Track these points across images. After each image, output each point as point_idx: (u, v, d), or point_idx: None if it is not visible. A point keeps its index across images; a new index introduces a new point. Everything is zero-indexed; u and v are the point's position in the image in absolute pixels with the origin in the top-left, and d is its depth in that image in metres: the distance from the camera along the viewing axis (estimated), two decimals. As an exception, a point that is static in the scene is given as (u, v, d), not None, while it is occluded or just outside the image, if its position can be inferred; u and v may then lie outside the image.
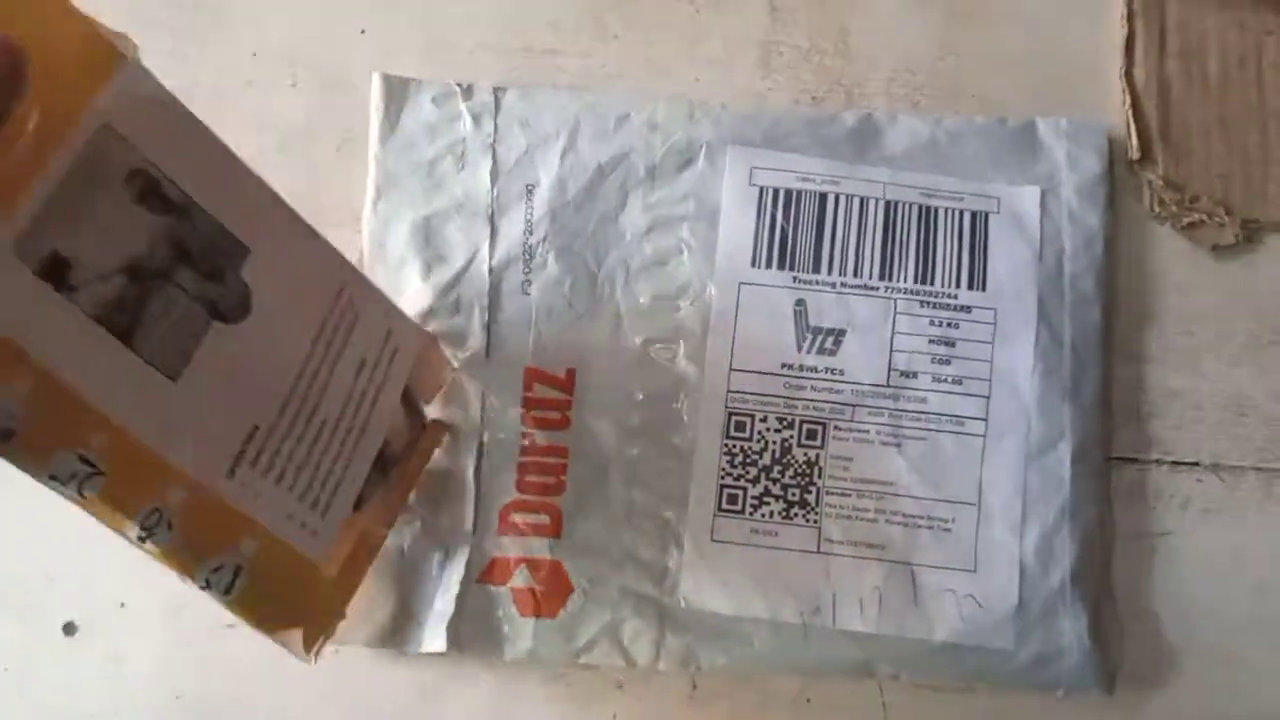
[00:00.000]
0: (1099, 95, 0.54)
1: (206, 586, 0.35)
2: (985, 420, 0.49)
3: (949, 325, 0.50)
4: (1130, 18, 0.54)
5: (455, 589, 0.49)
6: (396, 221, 0.52)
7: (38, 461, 0.30)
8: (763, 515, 0.49)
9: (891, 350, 0.50)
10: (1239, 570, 0.50)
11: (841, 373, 0.50)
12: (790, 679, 0.49)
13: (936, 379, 0.50)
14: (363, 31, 0.55)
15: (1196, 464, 0.51)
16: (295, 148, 0.55)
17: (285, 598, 0.39)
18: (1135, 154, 0.52)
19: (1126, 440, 0.51)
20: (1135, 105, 0.53)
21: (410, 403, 0.48)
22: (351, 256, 0.51)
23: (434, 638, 0.49)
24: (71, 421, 0.30)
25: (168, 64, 0.53)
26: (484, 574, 0.50)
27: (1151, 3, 0.54)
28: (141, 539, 0.33)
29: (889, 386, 0.50)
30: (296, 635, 0.40)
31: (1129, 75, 0.54)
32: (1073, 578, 0.48)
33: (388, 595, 0.49)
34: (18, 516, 0.50)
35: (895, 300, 0.50)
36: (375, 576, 0.49)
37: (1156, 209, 0.52)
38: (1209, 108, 0.53)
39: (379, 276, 0.51)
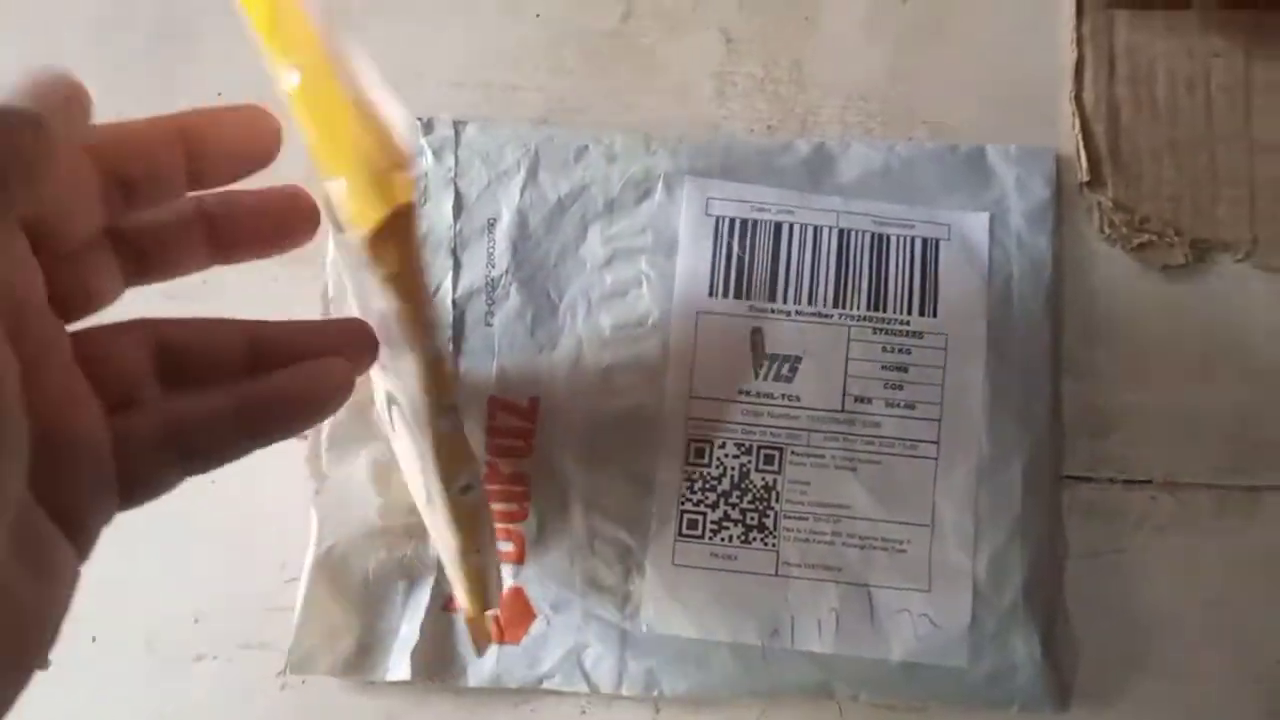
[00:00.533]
0: (1050, 119, 0.55)
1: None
2: (937, 443, 0.50)
3: (901, 351, 0.51)
4: (1079, 43, 0.55)
5: (420, 616, 0.50)
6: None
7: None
8: (722, 539, 0.50)
9: (846, 376, 0.51)
10: (1192, 586, 0.51)
11: (798, 399, 0.51)
12: (751, 702, 0.50)
13: (889, 404, 0.51)
14: (326, 70, 0.56)
15: (1149, 481, 0.51)
16: (259, 184, 0.55)
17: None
18: (1085, 176, 0.53)
19: (1079, 459, 0.52)
20: (1085, 129, 0.54)
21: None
22: (315, 291, 0.52)
23: (399, 665, 0.50)
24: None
25: (135, 108, 0.55)
26: (448, 601, 0.50)
27: (1100, 28, 0.55)
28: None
29: (844, 411, 0.51)
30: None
31: (1078, 99, 0.54)
32: (1025, 596, 0.49)
33: (353, 624, 0.50)
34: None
35: (849, 327, 0.51)
36: (340, 605, 0.50)
37: (1106, 230, 0.53)
38: (1158, 131, 0.54)
39: (345, 311, 0.52)
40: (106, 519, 0.33)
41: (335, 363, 0.37)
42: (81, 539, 0.31)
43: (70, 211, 0.32)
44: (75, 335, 0.33)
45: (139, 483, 0.33)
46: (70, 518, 0.30)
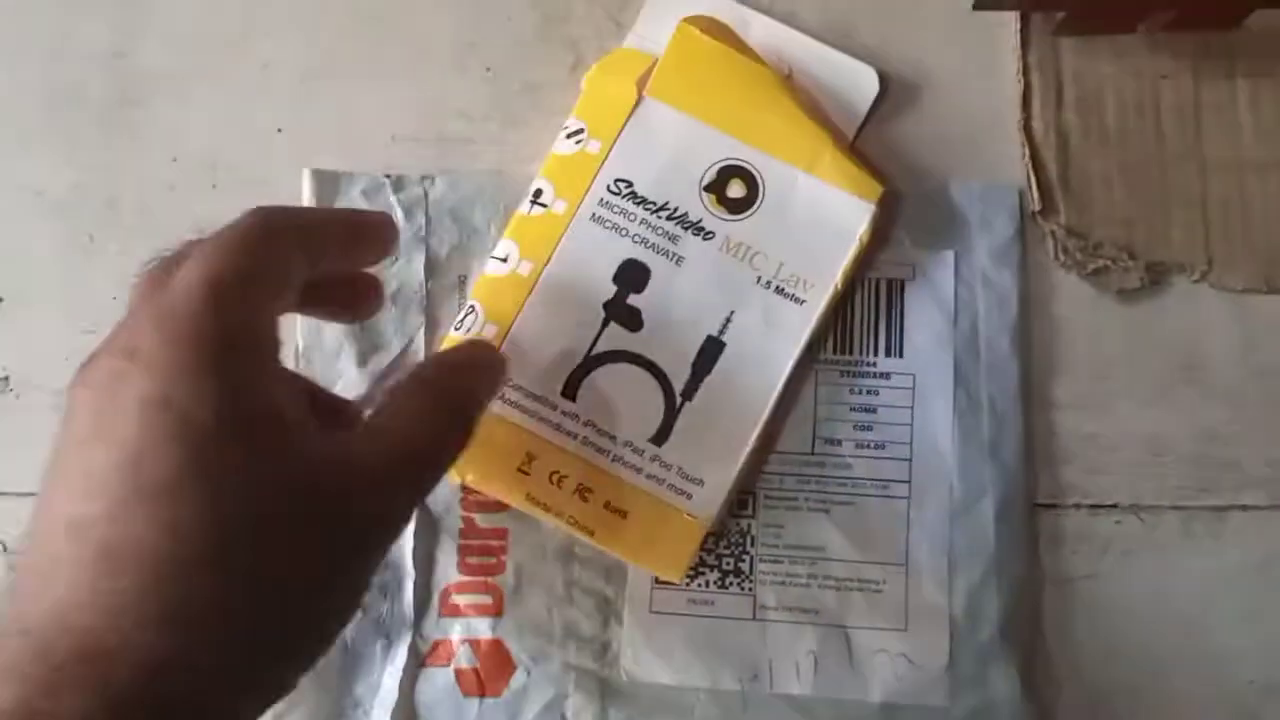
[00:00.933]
0: (1001, 150, 0.55)
1: None
2: (909, 483, 0.51)
3: (869, 392, 0.51)
4: (1026, 71, 0.55)
5: (399, 674, 0.50)
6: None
7: None
8: (699, 585, 0.51)
9: (815, 419, 0.51)
10: (1163, 609, 0.52)
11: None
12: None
13: (860, 445, 0.51)
14: (279, 130, 0.56)
15: (1115, 506, 0.52)
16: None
17: None
18: (1037, 205, 0.54)
19: (1044, 487, 0.52)
20: (1034, 157, 0.54)
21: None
22: (289, 346, 0.52)
23: (381, 724, 0.50)
24: None
25: (91, 177, 0.55)
26: (428, 656, 0.51)
27: (1046, 56, 0.55)
28: None
29: (814, 454, 0.51)
30: None
31: (1027, 128, 0.55)
32: (1001, 631, 0.49)
33: (332, 686, 0.50)
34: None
35: (816, 370, 0.52)
36: (321, 669, 0.50)
37: (1061, 257, 0.53)
38: (1108, 155, 0.54)
39: (315, 364, 0.52)
40: None
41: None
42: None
43: None
44: None
45: None
46: None
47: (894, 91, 0.55)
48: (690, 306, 0.50)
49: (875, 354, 0.52)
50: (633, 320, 0.50)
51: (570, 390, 0.49)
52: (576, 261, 0.50)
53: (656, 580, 0.51)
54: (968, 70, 0.56)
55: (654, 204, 0.50)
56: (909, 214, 0.53)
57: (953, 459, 0.51)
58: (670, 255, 0.50)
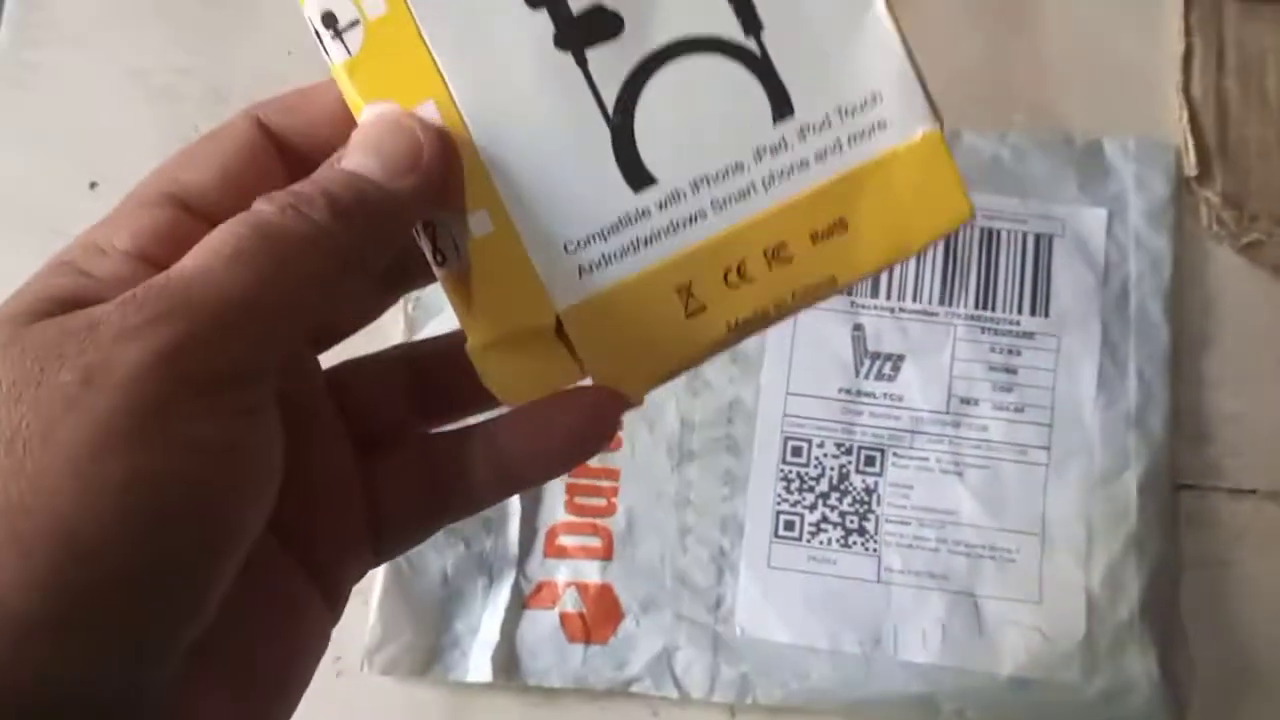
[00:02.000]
0: (1154, 109, 0.52)
1: None
2: (1048, 449, 0.48)
3: (1010, 352, 0.48)
4: (1188, 32, 0.52)
5: (501, 615, 0.47)
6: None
7: None
8: (821, 542, 0.48)
9: (951, 376, 0.48)
10: (1298, 601, 0.49)
11: (901, 399, 0.48)
12: (845, 714, 0.48)
13: (998, 406, 0.48)
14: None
15: (1254, 491, 0.49)
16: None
17: None
18: (1193, 171, 0.51)
19: (1185, 466, 0.49)
20: (1193, 121, 0.51)
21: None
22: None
23: (479, 667, 0.47)
24: None
25: (200, 64, 0.51)
26: (531, 598, 0.48)
27: (1209, 19, 0.52)
28: None
29: (949, 413, 0.48)
30: None
31: (1186, 91, 0.52)
32: (1141, 610, 0.46)
33: (432, 622, 0.47)
34: None
35: (955, 326, 0.49)
36: (419, 602, 0.47)
37: (1215, 228, 0.51)
38: (1268, 125, 0.52)
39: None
40: (359, 574, 0.30)
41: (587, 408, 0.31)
42: (333, 594, 0.29)
43: None
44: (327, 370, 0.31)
45: (396, 532, 0.31)
46: (320, 569, 0.29)
47: (1050, 39, 0.53)
48: None
49: (1019, 312, 0.49)
50: (604, 24, 0.30)
51: (637, 175, 0.30)
52: (473, 43, 0.29)
53: (776, 534, 0.48)
54: (1127, 25, 0.53)
55: None
56: (1060, 167, 0.50)
57: (1095, 427, 0.48)
58: None
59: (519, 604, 0.48)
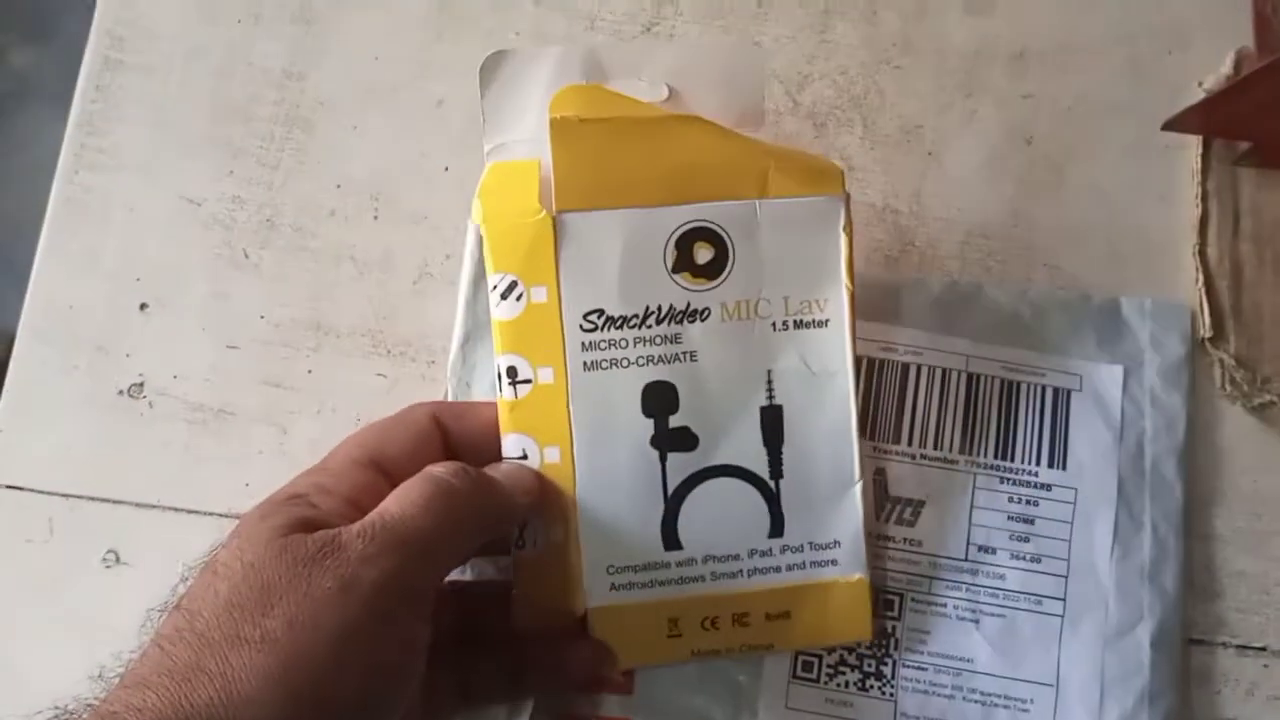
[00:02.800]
0: (1170, 272, 0.53)
1: None
2: (1063, 600, 0.48)
3: (1029, 503, 0.49)
4: (1204, 198, 0.54)
5: (520, 742, 0.48)
6: (484, 366, 0.50)
7: None
8: (838, 685, 0.48)
9: (970, 524, 0.49)
10: (1306, 760, 0.49)
11: (920, 544, 0.49)
12: None
13: (1015, 556, 0.49)
14: (446, 169, 0.54)
15: (1264, 649, 0.50)
16: (371, 279, 0.53)
17: None
18: (1208, 332, 0.52)
19: (1196, 621, 0.50)
20: (1208, 284, 0.53)
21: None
22: (434, 393, 0.50)
23: (500, 795, 0.47)
24: None
25: (253, 191, 0.53)
26: (551, 727, 0.48)
27: (1225, 186, 0.54)
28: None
29: (967, 560, 0.49)
30: None
31: (1202, 254, 0.53)
32: (1151, 766, 0.47)
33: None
34: None
35: (975, 475, 0.50)
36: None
37: (1227, 388, 0.52)
38: (1281, 291, 0.53)
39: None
40: None
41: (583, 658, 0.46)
42: None
43: None
44: None
45: (440, 715, 0.44)
46: None
47: (1070, 201, 0.54)
48: (729, 391, 0.45)
49: (1037, 463, 0.50)
50: (685, 440, 0.45)
51: (671, 540, 0.45)
52: (599, 422, 0.44)
53: (794, 675, 0.48)
54: (1145, 190, 0.54)
55: (635, 317, 0.45)
56: (1078, 324, 0.51)
57: (1110, 580, 0.49)
58: (681, 357, 0.45)
59: (539, 732, 0.48)
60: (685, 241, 0.45)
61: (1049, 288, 0.53)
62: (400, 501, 0.38)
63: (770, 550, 0.46)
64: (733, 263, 0.45)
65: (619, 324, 0.44)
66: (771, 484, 0.46)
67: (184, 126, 0.55)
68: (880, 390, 0.50)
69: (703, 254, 0.45)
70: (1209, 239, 0.53)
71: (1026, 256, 0.54)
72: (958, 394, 0.50)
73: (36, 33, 1.56)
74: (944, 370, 0.51)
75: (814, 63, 0.56)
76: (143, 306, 0.53)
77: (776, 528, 0.46)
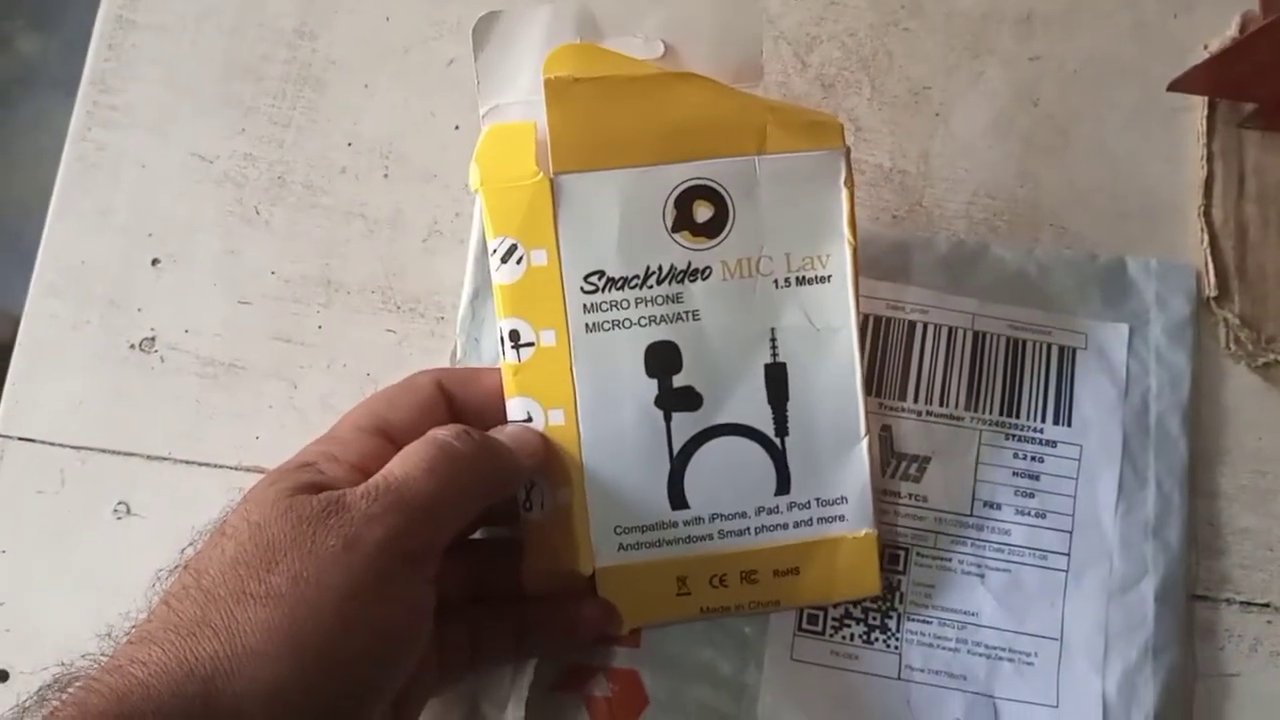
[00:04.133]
0: (1175, 233, 0.53)
1: None
2: (1068, 555, 0.48)
3: (1034, 459, 0.49)
4: (1210, 160, 0.53)
5: (526, 696, 0.47)
6: (493, 323, 0.50)
7: None
8: (843, 637, 0.48)
9: (975, 480, 0.49)
10: (1307, 717, 0.49)
11: (925, 499, 0.49)
12: (864, 806, 0.48)
13: (1020, 511, 0.49)
14: (456, 127, 0.54)
15: (1267, 605, 0.49)
16: (382, 236, 0.53)
17: None
18: (1212, 292, 0.52)
19: (1200, 577, 0.50)
20: (1213, 244, 0.52)
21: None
22: (443, 349, 0.50)
23: (505, 747, 0.47)
24: None
25: (264, 149, 0.53)
26: (560, 681, 0.48)
27: (1231, 147, 0.54)
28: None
29: (972, 515, 0.49)
30: None
31: (1207, 214, 0.53)
32: (1156, 718, 0.46)
33: (460, 701, 0.47)
34: None
35: (980, 431, 0.49)
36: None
37: (1232, 347, 0.51)
38: (1285, 252, 0.53)
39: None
40: (424, 702, 0.42)
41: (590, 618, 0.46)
42: (408, 715, 0.41)
43: None
44: None
45: (447, 672, 0.43)
46: (405, 702, 0.40)
47: (1076, 161, 0.54)
48: (732, 350, 0.45)
49: (1042, 420, 0.49)
50: (690, 399, 0.45)
51: (677, 500, 0.45)
52: (602, 383, 0.44)
53: (800, 628, 0.48)
54: (1151, 151, 0.54)
55: (636, 277, 0.44)
56: (1084, 283, 0.51)
57: (1114, 535, 0.48)
58: (683, 316, 0.44)
59: (547, 685, 0.48)
60: (684, 200, 0.44)
61: (1055, 247, 0.52)
62: (404, 464, 0.38)
63: (777, 507, 0.46)
64: (733, 220, 0.45)
65: (620, 285, 0.44)
66: (777, 441, 0.45)
67: (196, 85, 0.55)
68: (886, 348, 0.50)
69: (702, 212, 0.44)
70: (1214, 200, 0.53)
71: (1033, 216, 0.54)
72: (964, 352, 0.50)
73: (43, 19, 1.55)
74: (950, 328, 0.50)
75: (822, 24, 0.56)
76: (154, 262, 0.53)
77: (783, 485, 0.46)
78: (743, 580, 0.46)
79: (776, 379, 0.45)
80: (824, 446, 0.46)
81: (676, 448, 0.45)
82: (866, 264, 0.48)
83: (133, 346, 0.52)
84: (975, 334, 0.50)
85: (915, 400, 0.50)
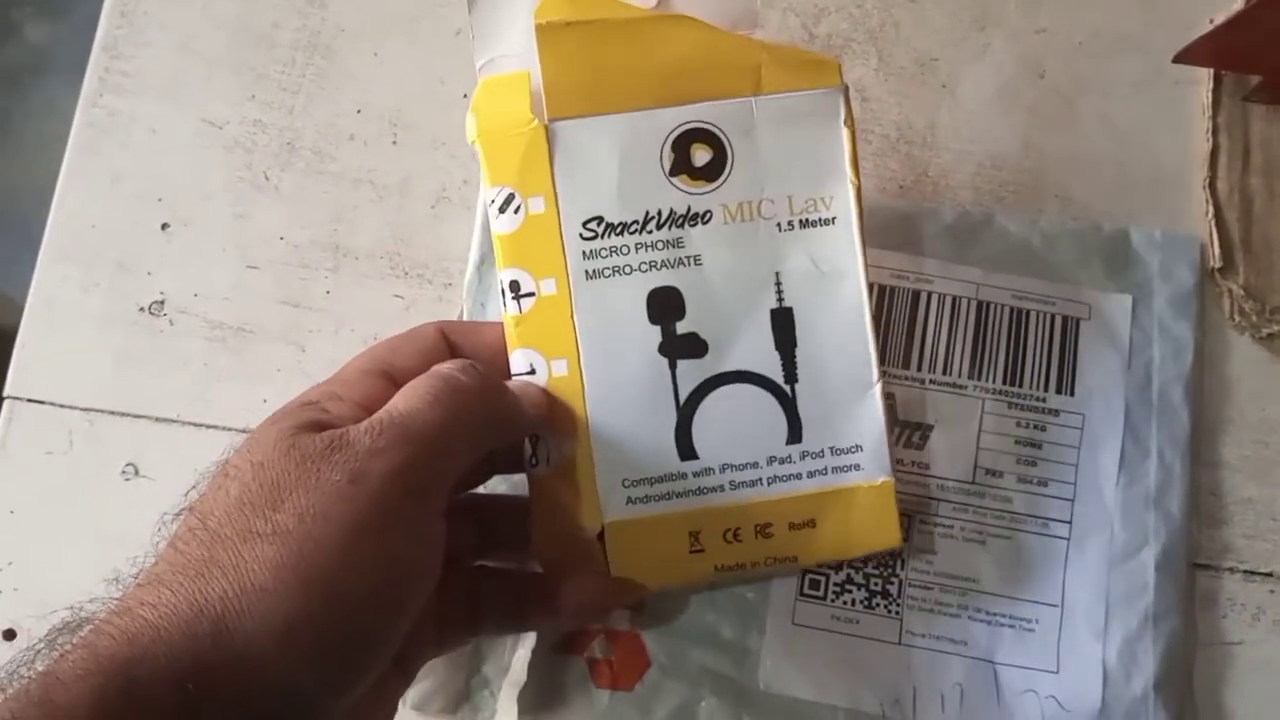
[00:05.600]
0: (1180, 204, 0.53)
1: None
2: (1069, 523, 0.48)
3: (1036, 428, 0.49)
4: (1215, 132, 0.53)
5: (529, 657, 0.47)
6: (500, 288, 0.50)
7: None
8: (844, 603, 0.48)
9: (978, 448, 0.49)
10: (1309, 685, 0.49)
11: (927, 467, 0.49)
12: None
13: (1022, 479, 0.48)
14: (465, 96, 0.54)
15: (1270, 574, 0.49)
16: (390, 202, 0.53)
17: None
18: (1217, 263, 0.51)
19: (1202, 546, 0.49)
20: (1218, 215, 0.52)
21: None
22: (450, 314, 0.50)
23: (506, 707, 0.47)
24: None
25: (274, 115, 0.53)
26: (560, 643, 0.48)
27: (1236, 120, 0.53)
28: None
29: (974, 484, 0.48)
30: None
31: (1213, 186, 0.52)
32: (1156, 685, 0.46)
33: (462, 662, 0.47)
34: None
35: (983, 400, 0.49)
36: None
37: (1236, 318, 0.51)
38: (1290, 225, 0.52)
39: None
40: (425, 661, 0.42)
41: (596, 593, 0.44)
42: (409, 674, 0.41)
43: None
44: None
45: (447, 635, 0.42)
46: (405, 662, 0.40)
47: (1081, 133, 0.54)
48: (736, 295, 0.44)
49: (1045, 389, 0.49)
50: (695, 346, 0.43)
51: (686, 450, 0.43)
52: (605, 331, 0.43)
53: (801, 593, 0.48)
54: (1157, 122, 0.54)
55: (635, 223, 0.43)
56: (1088, 253, 0.51)
57: (1115, 504, 0.48)
58: (685, 261, 0.43)
59: (548, 647, 0.48)
60: (682, 143, 0.43)
61: (1060, 218, 0.52)
62: (407, 398, 0.37)
63: (789, 457, 0.44)
64: (732, 163, 0.44)
65: (619, 231, 0.43)
66: (786, 388, 0.44)
67: (207, 51, 0.54)
68: (891, 317, 0.50)
69: (700, 155, 0.43)
70: (1219, 172, 0.53)
71: (1038, 187, 0.53)
72: (968, 321, 0.50)
73: (51, 7, 1.55)
74: (954, 298, 0.50)
75: (830, -5, 0.55)
76: (164, 226, 0.53)
77: (794, 433, 0.44)
78: (757, 534, 0.44)
79: (783, 324, 0.44)
80: (836, 393, 0.44)
81: (683, 396, 0.44)
82: (873, 233, 0.47)
83: (142, 310, 0.52)
84: (979, 304, 0.50)
85: (919, 369, 0.49)
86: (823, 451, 0.44)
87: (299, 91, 0.54)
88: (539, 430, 0.43)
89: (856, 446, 0.44)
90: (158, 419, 0.51)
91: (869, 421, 0.44)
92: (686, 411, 0.44)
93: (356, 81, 0.54)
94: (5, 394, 0.51)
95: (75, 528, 0.50)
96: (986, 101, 0.54)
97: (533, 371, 0.43)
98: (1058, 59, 0.55)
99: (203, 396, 0.51)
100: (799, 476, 0.44)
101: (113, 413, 0.51)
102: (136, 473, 0.50)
